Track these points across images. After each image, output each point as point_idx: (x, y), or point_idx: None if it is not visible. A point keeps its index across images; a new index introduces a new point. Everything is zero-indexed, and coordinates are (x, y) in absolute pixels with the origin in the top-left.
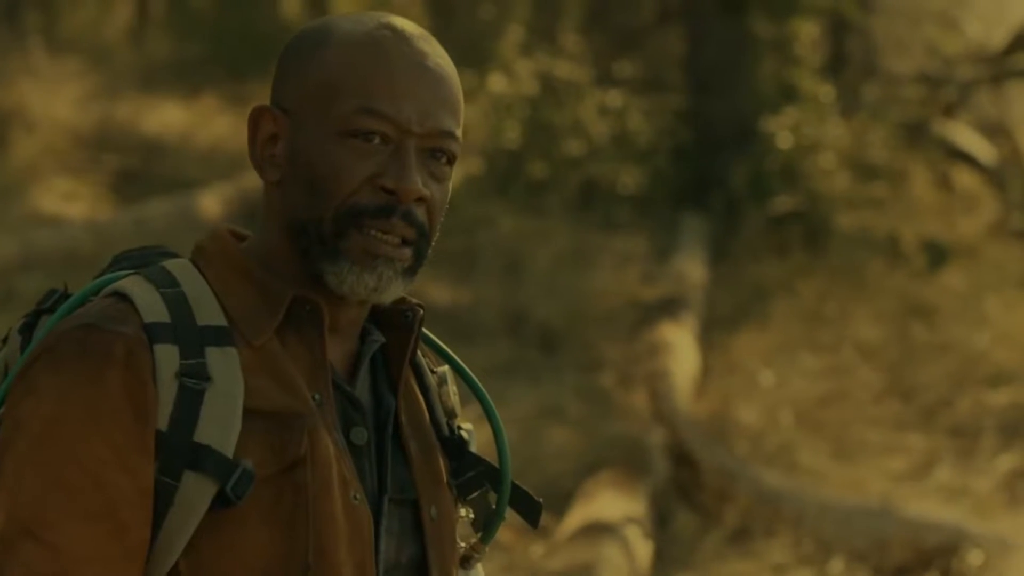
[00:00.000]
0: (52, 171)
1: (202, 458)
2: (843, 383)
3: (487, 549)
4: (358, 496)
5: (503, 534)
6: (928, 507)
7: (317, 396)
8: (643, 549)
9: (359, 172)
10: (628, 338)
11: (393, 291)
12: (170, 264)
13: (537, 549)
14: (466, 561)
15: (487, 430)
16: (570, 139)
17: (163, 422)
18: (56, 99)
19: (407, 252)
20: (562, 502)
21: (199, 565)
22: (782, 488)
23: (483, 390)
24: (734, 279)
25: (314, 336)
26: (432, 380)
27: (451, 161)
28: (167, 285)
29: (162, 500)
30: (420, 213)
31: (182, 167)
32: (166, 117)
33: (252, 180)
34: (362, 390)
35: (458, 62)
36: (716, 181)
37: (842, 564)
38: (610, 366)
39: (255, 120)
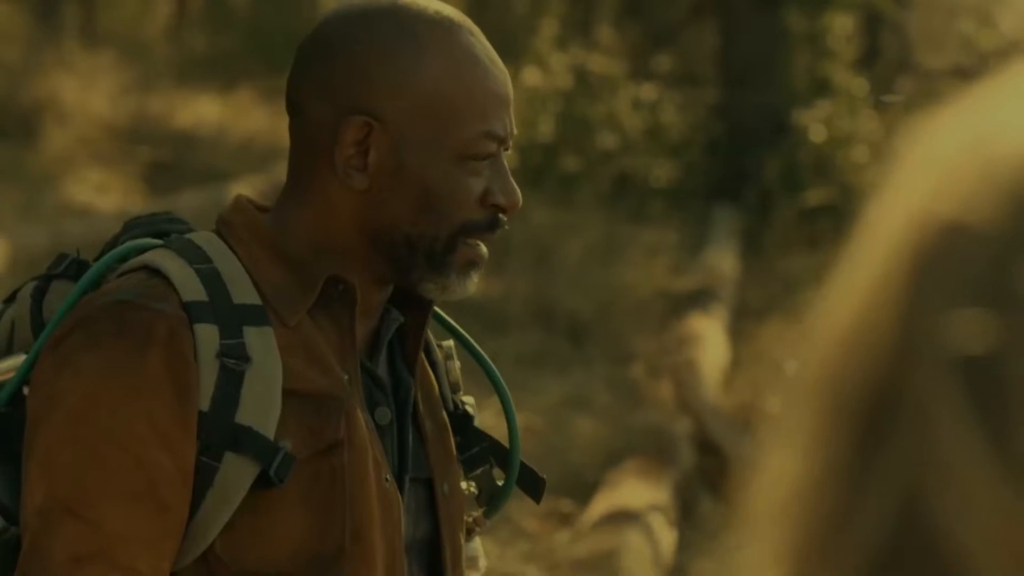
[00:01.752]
0: (85, 162)
1: (244, 440)
2: None
3: (489, 523)
4: (388, 478)
5: (528, 522)
6: None
7: (346, 376)
8: (667, 537)
9: (475, 192)
10: (658, 329)
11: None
12: (196, 237)
13: (562, 536)
14: (467, 534)
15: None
16: (603, 132)
17: (204, 403)
18: (90, 92)
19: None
20: (588, 490)
21: (234, 544)
22: None
23: (493, 366)
24: (765, 271)
25: (344, 316)
26: (439, 355)
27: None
28: (199, 261)
29: (202, 480)
30: None
31: (215, 160)
32: (201, 110)
33: (284, 172)
34: (381, 368)
35: None
36: (748, 174)
37: None
38: (639, 357)
39: (342, 127)
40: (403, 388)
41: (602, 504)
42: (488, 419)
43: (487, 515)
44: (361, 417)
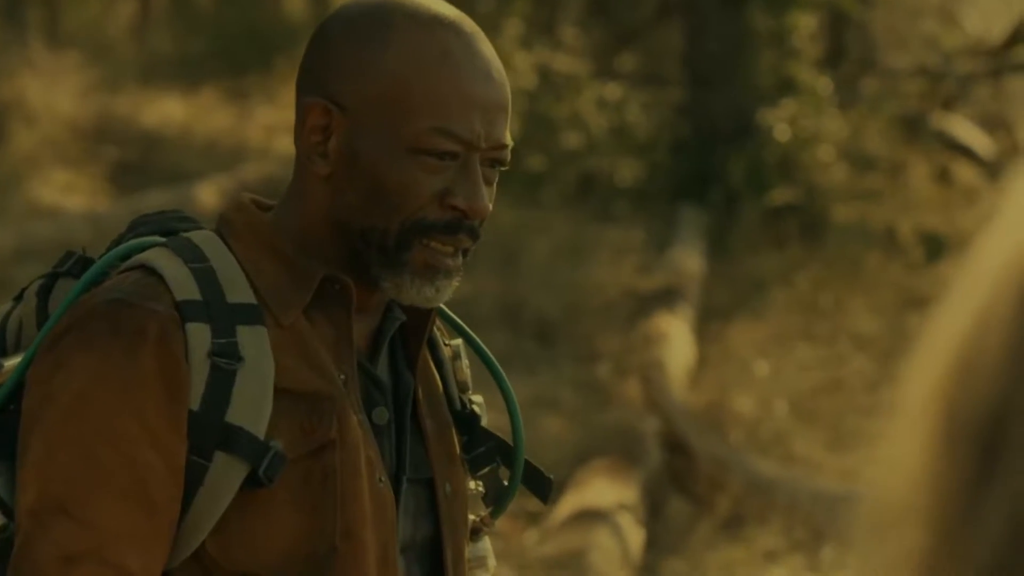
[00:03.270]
0: (51, 163)
1: (234, 439)
2: (838, 373)
3: (496, 523)
4: (383, 478)
5: (497, 521)
6: None
7: (342, 376)
8: (635, 536)
9: (428, 188)
10: (624, 329)
11: (445, 296)
12: (196, 236)
13: (530, 536)
14: (475, 534)
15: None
16: (569, 132)
17: (195, 402)
18: (56, 92)
19: (460, 260)
20: (556, 490)
21: (226, 544)
22: (774, 476)
23: (498, 366)
24: (731, 271)
25: (341, 316)
26: (446, 354)
27: (503, 167)
28: (195, 260)
29: (192, 479)
30: (478, 223)
31: (181, 160)
32: (166, 111)
33: (250, 172)
34: (382, 368)
35: None
36: (714, 174)
37: (834, 552)
38: (606, 357)
39: (305, 111)
40: (403, 387)
41: (570, 503)
42: (497, 418)
43: (493, 515)
44: (354, 417)
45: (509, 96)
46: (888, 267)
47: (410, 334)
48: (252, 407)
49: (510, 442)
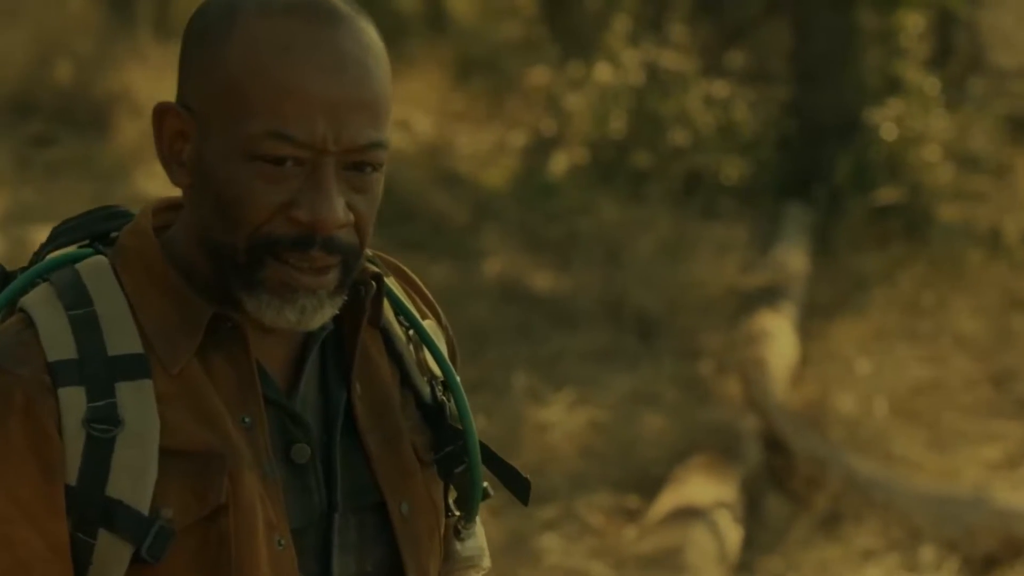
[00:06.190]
0: (156, 156)
1: (115, 515)
2: (940, 372)
3: (474, 525)
4: (283, 541)
5: (594, 518)
6: (1022, 497)
7: (247, 419)
8: (733, 533)
9: (270, 200)
10: (727, 326)
11: (320, 318)
12: (87, 271)
13: (628, 532)
14: (457, 533)
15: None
16: (675, 129)
17: (72, 475)
18: (163, 84)
19: (330, 278)
20: (655, 486)
21: None
22: (873, 475)
23: (442, 353)
24: (835, 269)
25: (240, 354)
26: (404, 346)
27: (377, 169)
28: (78, 304)
29: (81, 557)
30: (344, 235)
31: None
32: None
33: None
34: (309, 388)
35: (566, 52)
36: (819, 172)
37: (931, 552)
38: (708, 354)
39: (158, 117)
40: (333, 407)
41: (668, 500)
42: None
43: (467, 520)
44: (250, 473)
45: (377, 91)
46: (992, 267)
47: (346, 339)
48: (133, 477)
49: (490, 443)
